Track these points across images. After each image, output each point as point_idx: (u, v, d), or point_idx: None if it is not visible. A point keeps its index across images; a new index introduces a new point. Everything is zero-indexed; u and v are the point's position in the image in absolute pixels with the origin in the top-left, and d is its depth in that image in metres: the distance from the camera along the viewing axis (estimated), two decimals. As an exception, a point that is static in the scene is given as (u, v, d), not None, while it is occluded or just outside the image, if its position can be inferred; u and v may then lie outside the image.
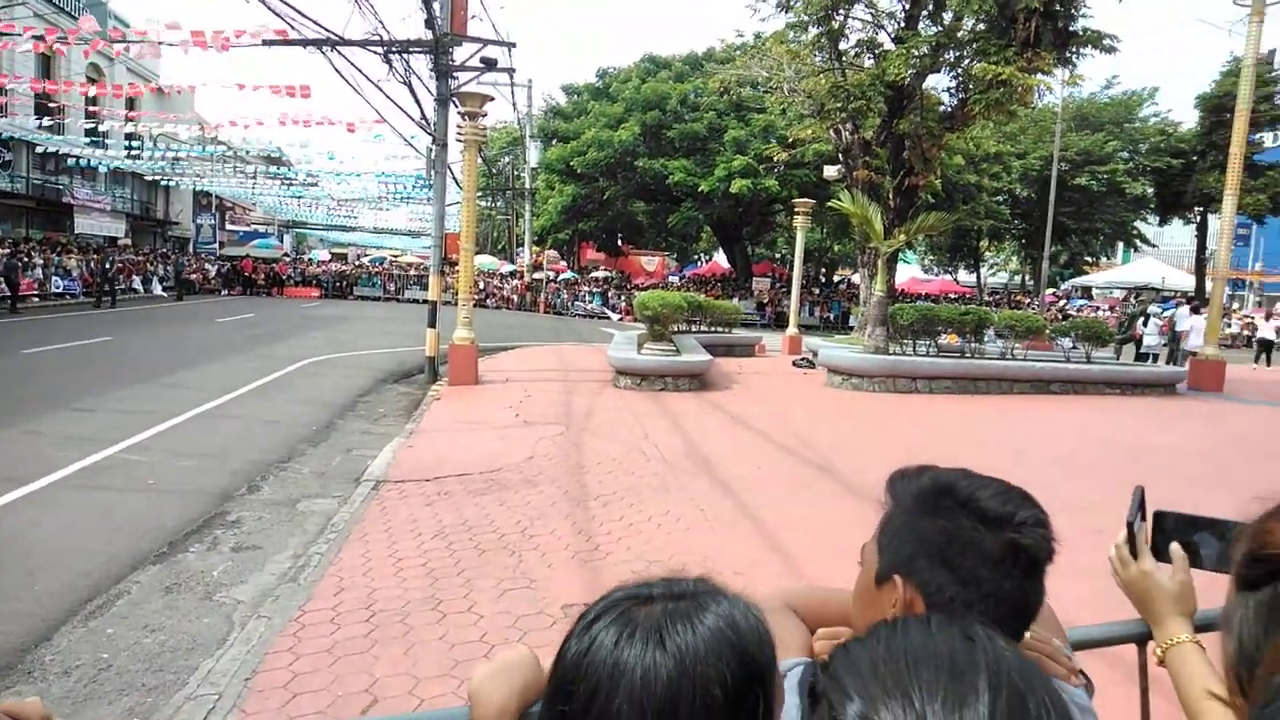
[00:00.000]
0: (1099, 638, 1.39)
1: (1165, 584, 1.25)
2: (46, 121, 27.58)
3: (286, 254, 47.74)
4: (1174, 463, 9.37)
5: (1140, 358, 19.03)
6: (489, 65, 15.12)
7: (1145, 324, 19.13)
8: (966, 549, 0.99)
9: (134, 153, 32.82)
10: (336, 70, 14.41)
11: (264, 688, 3.86)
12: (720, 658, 0.72)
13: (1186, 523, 1.28)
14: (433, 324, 14.06)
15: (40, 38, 20.46)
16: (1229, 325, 33.77)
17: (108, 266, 27.12)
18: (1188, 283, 40.59)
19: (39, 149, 30.33)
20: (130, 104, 33.10)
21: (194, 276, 35.62)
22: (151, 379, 12.39)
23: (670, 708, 0.70)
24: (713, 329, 20.25)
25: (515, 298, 37.26)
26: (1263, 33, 16.18)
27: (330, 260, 47.07)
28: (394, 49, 14.72)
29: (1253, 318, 35.64)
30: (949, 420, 12.31)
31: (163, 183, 39.14)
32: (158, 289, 32.62)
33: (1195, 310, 19.85)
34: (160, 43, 18.54)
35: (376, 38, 14.57)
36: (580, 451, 8.89)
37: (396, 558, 5.52)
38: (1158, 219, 44.03)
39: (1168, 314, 20.53)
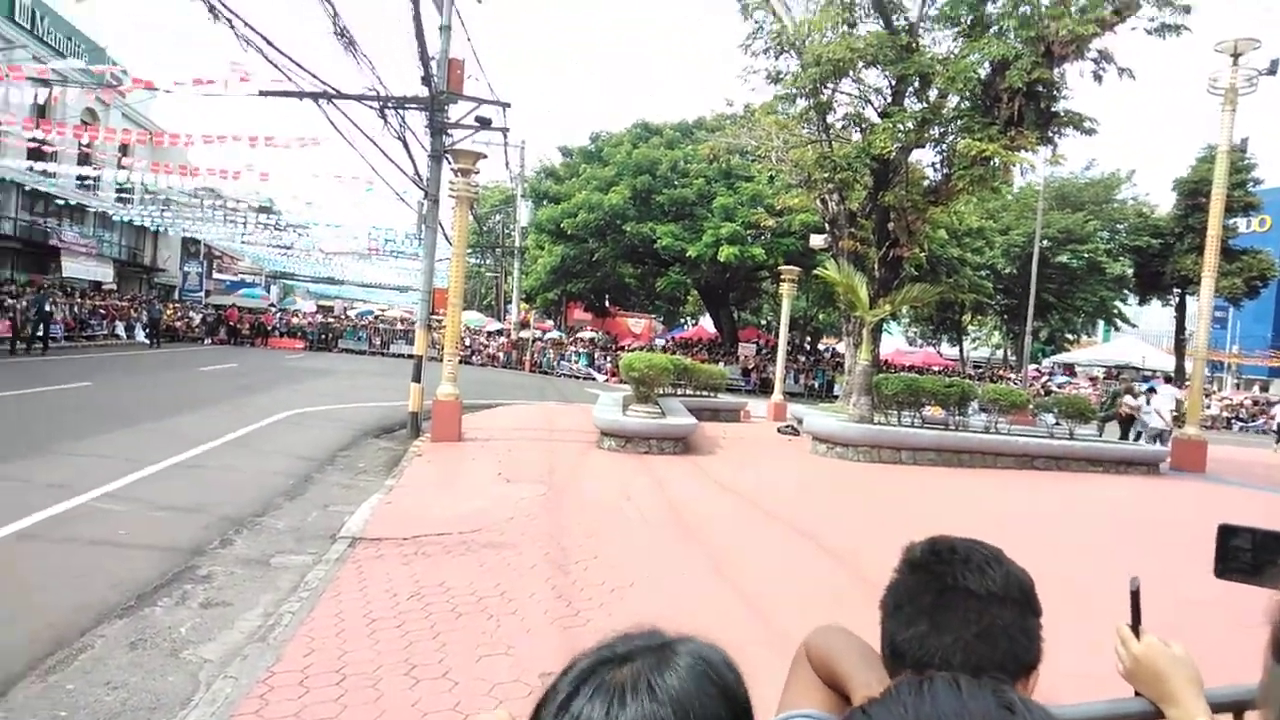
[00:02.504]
0: (1103, 716, 1.27)
1: (1177, 654, 1.21)
2: (39, 165, 27.58)
3: (273, 304, 47.66)
4: (1160, 540, 9.34)
5: (1135, 436, 18.72)
6: (483, 124, 15.35)
7: (1149, 402, 18.60)
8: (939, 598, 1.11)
9: (124, 198, 32.81)
10: (331, 123, 14.56)
11: (227, 753, 3.71)
12: (707, 694, 0.76)
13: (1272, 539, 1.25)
14: (417, 379, 13.96)
15: (44, 82, 20.57)
16: (1209, 407, 34.14)
17: (45, 308, 24.93)
18: (1167, 363, 41.17)
19: (27, 189, 30.28)
20: (124, 150, 33.29)
21: (178, 324, 35.39)
22: (129, 426, 12.18)
23: None
24: (698, 393, 20.24)
25: (501, 355, 37.24)
26: (1235, 121, 16.73)
27: (316, 312, 47.02)
28: (390, 104, 14.92)
29: (1273, 404, 36.05)
30: (933, 492, 12.26)
31: (151, 228, 39.13)
32: (140, 335, 32.37)
33: (1152, 390, 19.69)
34: (153, 87, 18.75)
35: (373, 92, 14.77)
36: (563, 513, 8.77)
37: (370, 618, 5.36)
38: (1137, 299, 44.83)
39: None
